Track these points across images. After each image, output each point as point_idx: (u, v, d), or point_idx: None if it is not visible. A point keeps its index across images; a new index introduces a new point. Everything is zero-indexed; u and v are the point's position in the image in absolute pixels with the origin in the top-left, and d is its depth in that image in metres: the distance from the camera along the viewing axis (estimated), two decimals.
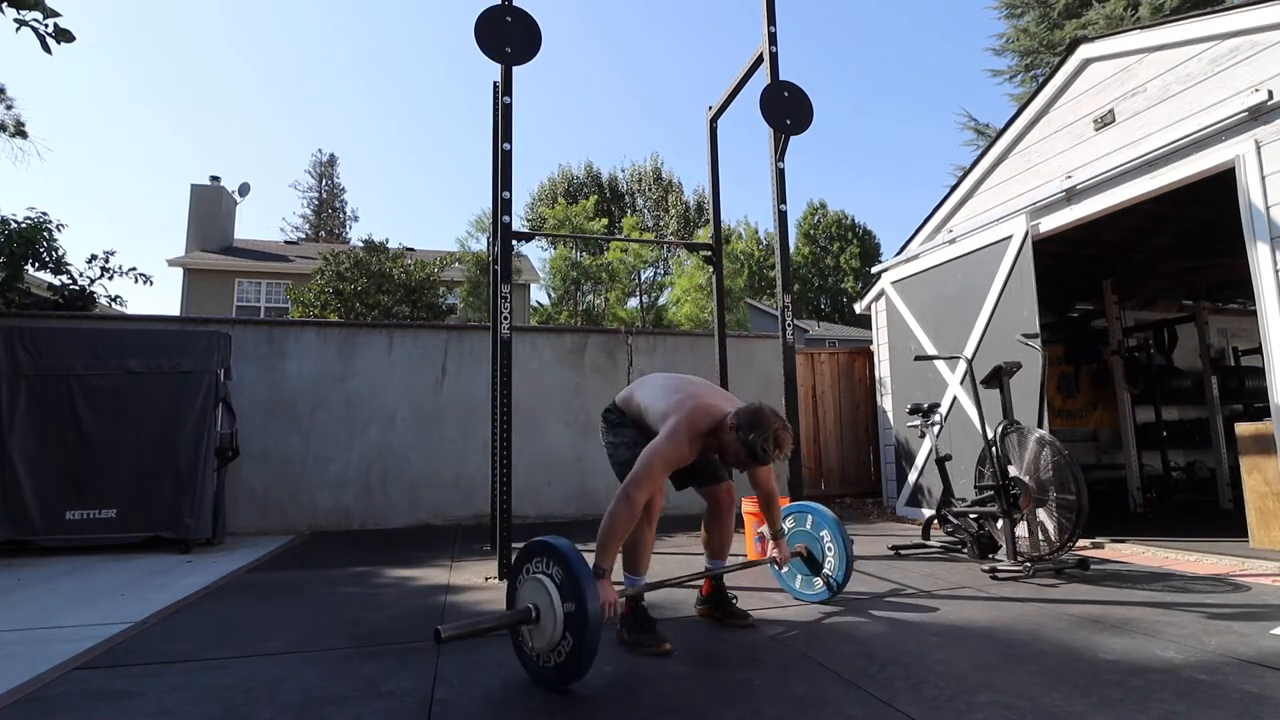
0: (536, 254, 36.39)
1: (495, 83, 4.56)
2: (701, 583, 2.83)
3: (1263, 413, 4.23)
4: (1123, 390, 6.43)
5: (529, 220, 25.17)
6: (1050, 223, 4.90)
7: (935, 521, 4.32)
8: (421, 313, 9.96)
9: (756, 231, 30.97)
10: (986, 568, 3.50)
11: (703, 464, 2.64)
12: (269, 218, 54.03)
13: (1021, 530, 3.74)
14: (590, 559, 2.11)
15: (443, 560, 4.16)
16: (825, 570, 2.92)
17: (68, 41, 3.71)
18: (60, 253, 5.94)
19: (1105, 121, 4.62)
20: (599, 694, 1.97)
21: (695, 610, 2.83)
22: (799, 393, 4.92)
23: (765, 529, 2.91)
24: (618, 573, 2.36)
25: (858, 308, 7.37)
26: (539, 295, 17.11)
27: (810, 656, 2.25)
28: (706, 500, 2.76)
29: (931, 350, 5.74)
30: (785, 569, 3.01)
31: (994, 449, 3.72)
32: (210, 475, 4.74)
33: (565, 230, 14.07)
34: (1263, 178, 3.70)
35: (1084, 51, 4.82)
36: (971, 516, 3.89)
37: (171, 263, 14.51)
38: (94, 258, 6.13)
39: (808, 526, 3.02)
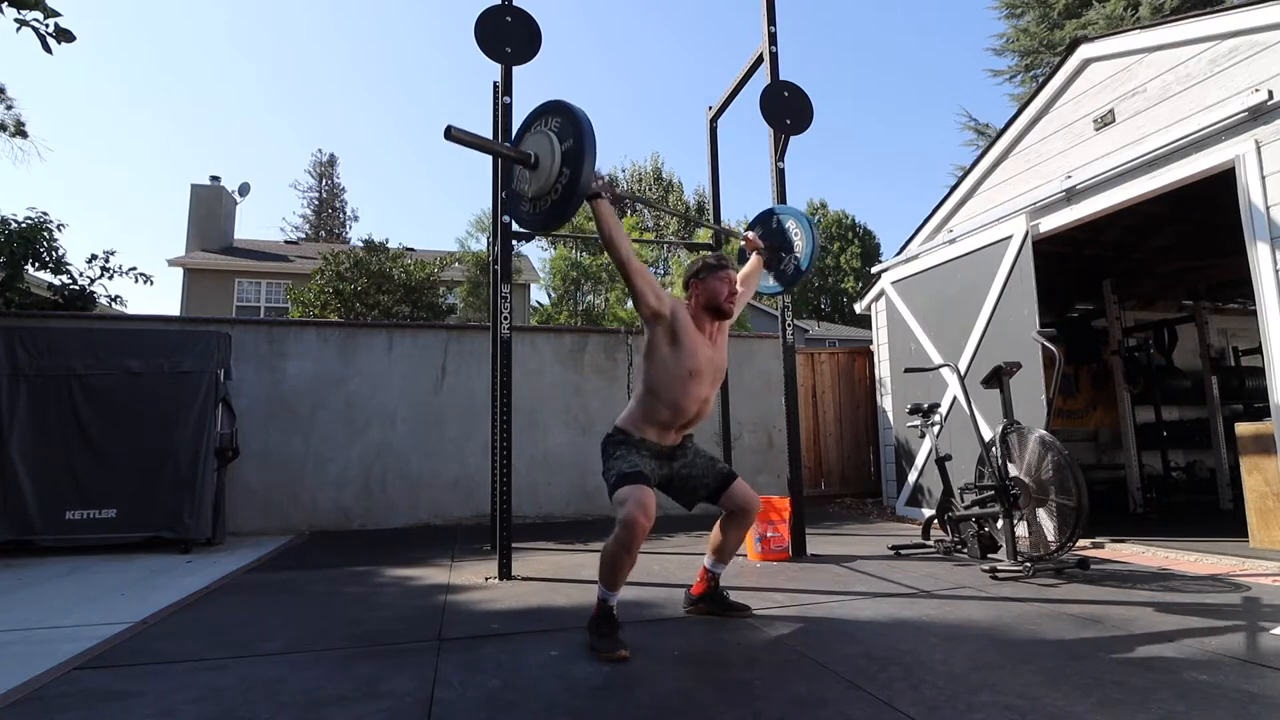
0: (536, 254, 36.32)
1: (495, 83, 4.56)
2: (693, 583, 2.81)
3: (1263, 413, 4.23)
4: (1123, 390, 6.43)
5: None
6: (1050, 223, 4.90)
7: (935, 521, 4.32)
8: (421, 313, 9.96)
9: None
10: (986, 568, 3.50)
11: (704, 475, 2.61)
12: (269, 218, 54.10)
13: (1021, 530, 3.74)
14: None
15: (443, 560, 4.16)
16: (796, 252, 3.28)
17: (68, 41, 3.71)
18: (60, 252, 5.94)
19: (1105, 121, 4.62)
20: (598, 694, 1.96)
21: (685, 610, 2.79)
22: (799, 392, 4.92)
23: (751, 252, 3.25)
24: (589, 572, 2.48)
25: (858, 308, 7.37)
26: (539, 295, 17.10)
27: (810, 656, 2.25)
28: (726, 505, 2.65)
29: (931, 351, 5.74)
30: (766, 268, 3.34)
31: (994, 449, 3.72)
32: (210, 475, 4.74)
33: (565, 230, 14.06)
34: (1263, 178, 3.70)
35: (1084, 51, 4.82)
36: (971, 517, 3.89)
37: (171, 262, 14.51)
38: (94, 257, 6.13)
39: (774, 225, 3.38)
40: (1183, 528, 4.91)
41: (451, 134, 2.09)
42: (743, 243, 3.31)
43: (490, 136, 4.95)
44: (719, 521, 2.72)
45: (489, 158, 4.95)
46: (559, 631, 2.57)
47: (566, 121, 2.26)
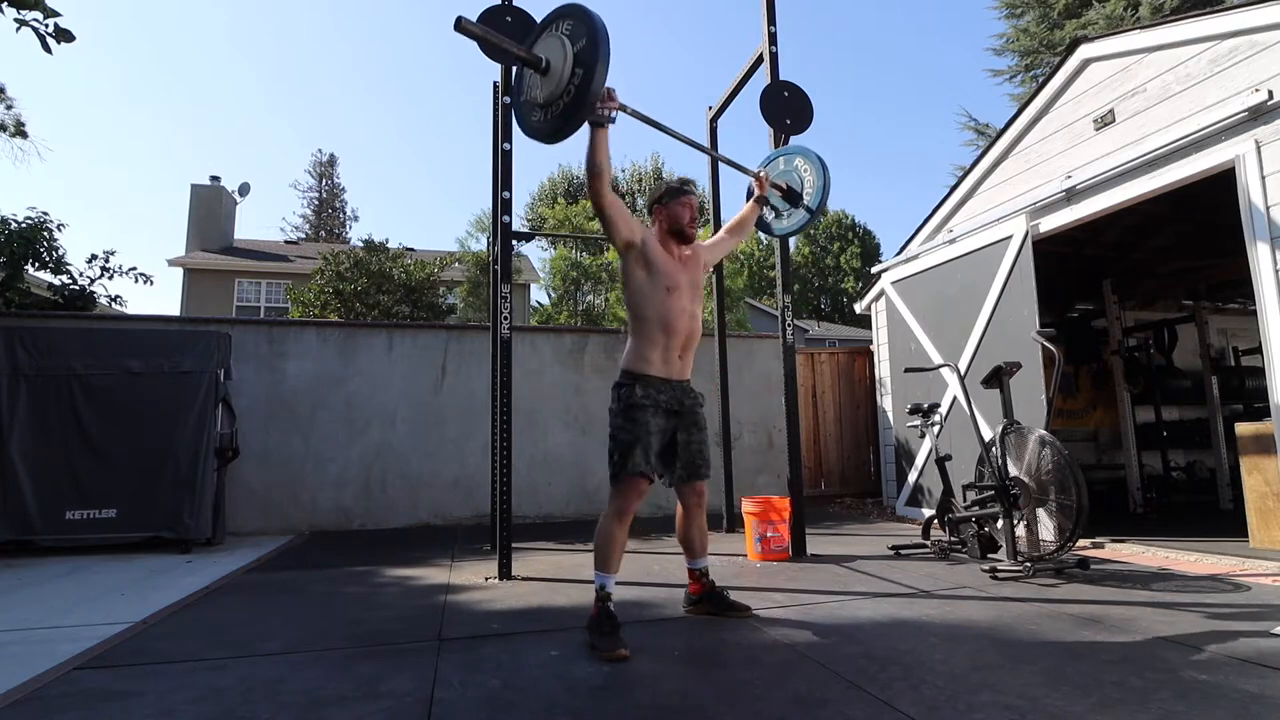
0: (536, 254, 36.37)
1: (495, 82, 4.56)
2: (688, 585, 2.81)
3: (1263, 413, 4.23)
4: (1123, 390, 6.43)
5: (529, 220, 25.17)
6: (1050, 223, 4.90)
7: (935, 521, 4.32)
8: (421, 313, 9.96)
9: (756, 231, 30.95)
10: (986, 568, 3.50)
11: (683, 451, 2.63)
12: (269, 218, 54.16)
13: (1021, 530, 3.74)
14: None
15: (443, 560, 4.16)
16: (804, 200, 3.16)
17: (68, 41, 3.71)
18: (60, 252, 5.94)
19: (1105, 121, 4.62)
20: (598, 694, 1.96)
21: (685, 610, 2.80)
22: (799, 392, 4.92)
23: (754, 185, 3.20)
24: (589, 573, 2.52)
25: (858, 308, 7.37)
26: (539, 295, 17.12)
27: (810, 656, 2.25)
28: (682, 499, 2.76)
29: (931, 351, 5.74)
30: (771, 209, 3.31)
31: (994, 449, 3.72)
32: (210, 475, 4.73)
33: (565, 230, 14.07)
34: (1263, 178, 3.70)
35: (1084, 51, 4.82)
36: (972, 517, 3.89)
37: (171, 262, 14.51)
38: (94, 257, 6.13)
39: (792, 166, 3.23)
40: (1183, 528, 4.91)
41: (461, 25, 2.06)
42: (751, 180, 3.22)
43: (490, 137, 4.95)
44: (678, 522, 2.81)
45: (489, 157, 4.95)
46: (559, 631, 2.57)
47: (579, 23, 2.21)
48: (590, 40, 2.14)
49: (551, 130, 2.26)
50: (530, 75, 2.36)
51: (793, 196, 3.20)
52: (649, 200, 2.80)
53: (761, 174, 3.21)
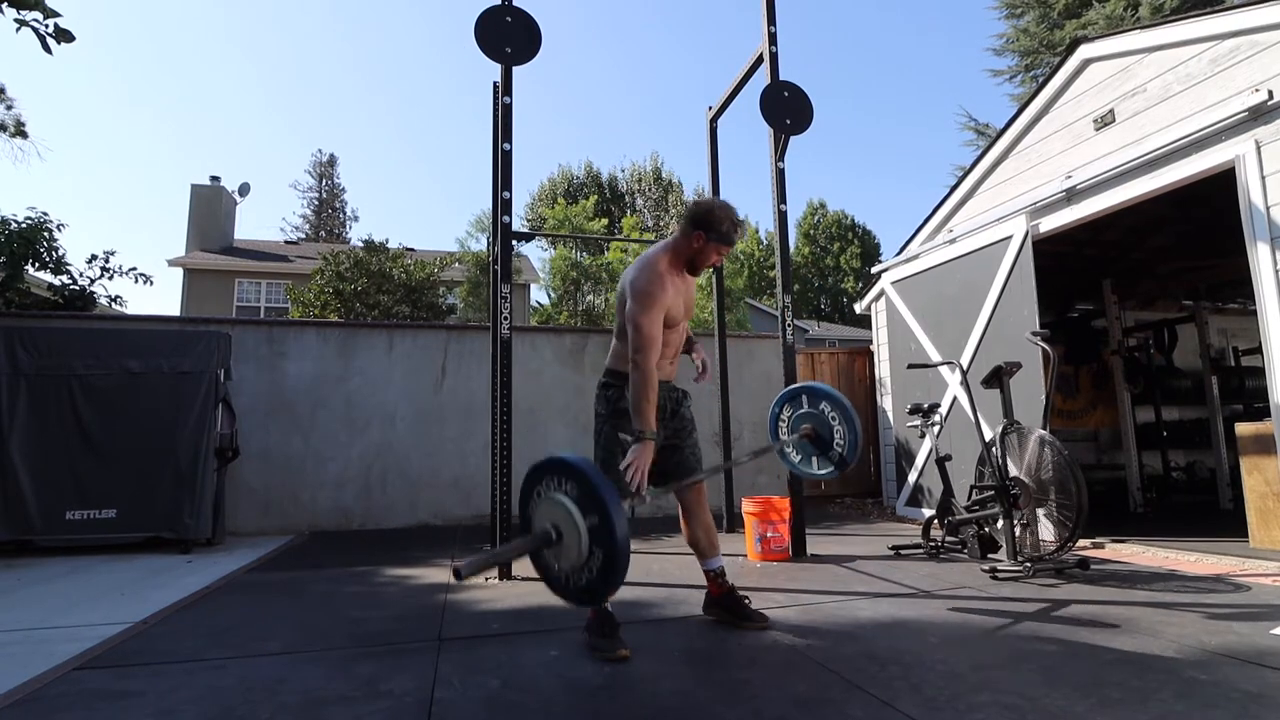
0: (536, 254, 36.37)
1: (495, 83, 4.55)
2: (707, 586, 2.73)
3: (1263, 413, 4.23)
4: (1123, 390, 6.43)
5: (529, 220, 25.18)
6: (1050, 223, 4.90)
7: (935, 521, 4.32)
8: (421, 313, 9.96)
9: (756, 231, 30.99)
10: (986, 568, 3.50)
11: (675, 462, 2.61)
12: (269, 218, 54.20)
13: (1021, 530, 3.74)
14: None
15: (443, 560, 4.16)
16: (834, 451, 2.88)
17: (68, 41, 3.71)
18: (60, 253, 5.94)
19: (1105, 121, 4.62)
20: (598, 694, 1.96)
21: (705, 614, 2.72)
22: None
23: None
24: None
25: (858, 308, 7.37)
26: (539, 295, 17.12)
27: (810, 656, 2.25)
28: (681, 500, 2.69)
29: (931, 351, 5.74)
30: (790, 446, 3.00)
31: (994, 449, 3.72)
32: (210, 475, 4.73)
33: (565, 230, 14.07)
34: (1263, 178, 3.70)
35: (1084, 51, 4.82)
36: (972, 517, 3.89)
37: (171, 263, 14.52)
38: (94, 258, 6.14)
39: (818, 409, 2.93)
40: (1183, 528, 4.91)
41: (460, 576, 1.69)
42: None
43: (490, 137, 4.93)
44: (683, 522, 2.72)
45: (489, 157, 4.94)
46: (559, 631, 2.57)
47: (583, 490, 1.84)
48: (602, 512, 1.79)
49: (591, 599, 1.90)
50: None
51: (821, 444, 2.93)
52: (694, 214, 2.54)
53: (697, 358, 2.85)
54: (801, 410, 2.98)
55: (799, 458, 3.02)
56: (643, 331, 2.36)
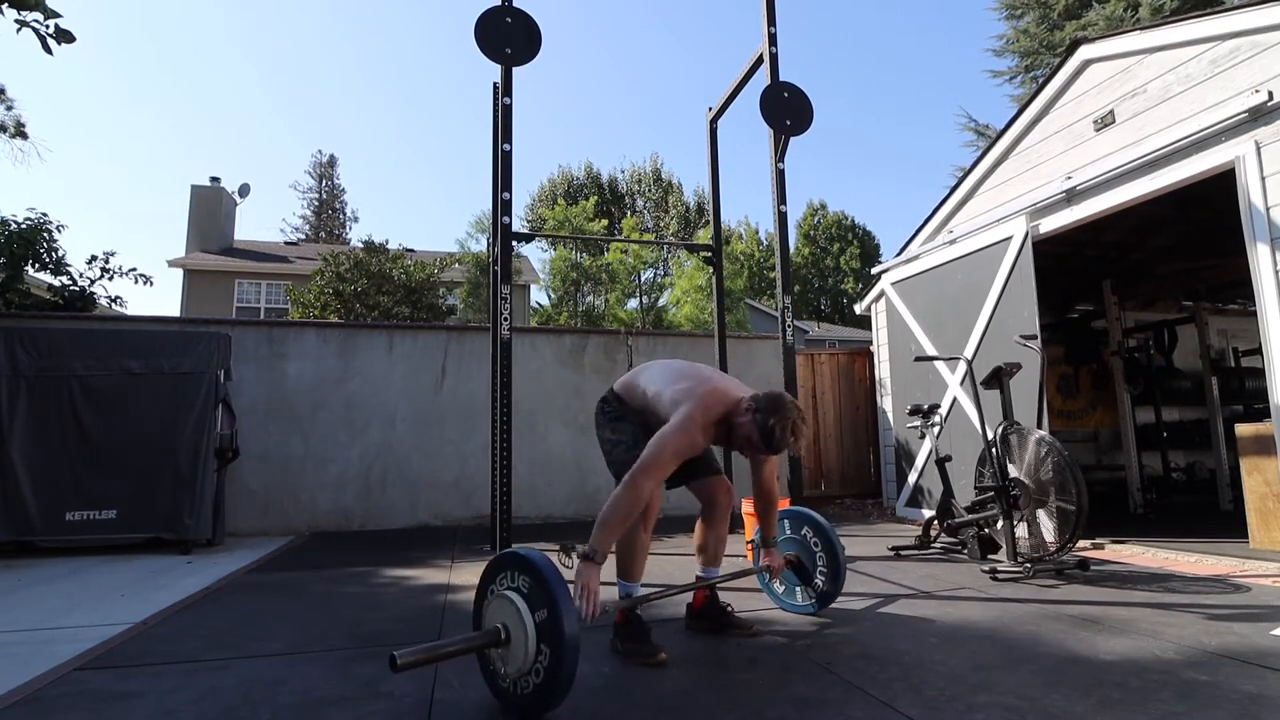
0: (536, 255, 36.37)
1: (495, 83, 4.56)
2: (691, 596, 2.64)
3: (1263, 413, 4.23)
4: (1123, 391, 6.43)
5: (529, 221, 25.19)
6: (1050, 223, 4.90)
7: (935, 522, 4.32)
8: (421, 313, 9.97)
9: (756, 232, 31.02)
10: (986, 568, 3.50)
11: (698, 458, 2.50)
12: (269, 218, 54.11)
13: (1021, 531, 3.74)
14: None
15: (443, 560, 4.16)
16: (816, 582, 2.74)
17: (68, 42, 3.71)
18: (60, 253, 5.94)
19: (1105, 122, 4.62)
20: (598, 694, 1.96)
21: (686, 625, 2.64)
22: (799, 393, 4.92)
23: (756, 535, 2.76)
24: (609, 572, 2.25)
25: (858, 308, 7.37)
26: (539, 296, 17.12)
27: (810, 658, 2.25)
28: (702, 498, 2.60)
29: (931, 351, 5.74)
30: (778, 581, 2.85)
31: (994, 450, 3.72)
32: (210, 476, 4.74)
33: (565, 231, 14.08)
34: (1263, 178, 3.70)
35: (1084, 52, 4.82)
36: (972, 518, 3.89)
37: (171, 263, 14.52)
38: (94, 258, 6.14)
39: (800, 534, 2.82)
40: (1183, 528, 4.91)
41: (397, 666, 1.59)
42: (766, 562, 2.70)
43: (490, 138, 4.95)
44: (699, 521, 2.64)
45: (489, 158, 4.95)
46: None
47: (535, 583, 1.77)
48: (551, 608, 1.69)
49: (534, 709, 1.75)
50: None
51: (804, 575, 2.78)
52: (765, 408, 2.25)
53: (772, 565, 2.69)
54: (784, 536, 2.84)
55: (782, 588, 2.87)
56: (664, 451, 2.18)
